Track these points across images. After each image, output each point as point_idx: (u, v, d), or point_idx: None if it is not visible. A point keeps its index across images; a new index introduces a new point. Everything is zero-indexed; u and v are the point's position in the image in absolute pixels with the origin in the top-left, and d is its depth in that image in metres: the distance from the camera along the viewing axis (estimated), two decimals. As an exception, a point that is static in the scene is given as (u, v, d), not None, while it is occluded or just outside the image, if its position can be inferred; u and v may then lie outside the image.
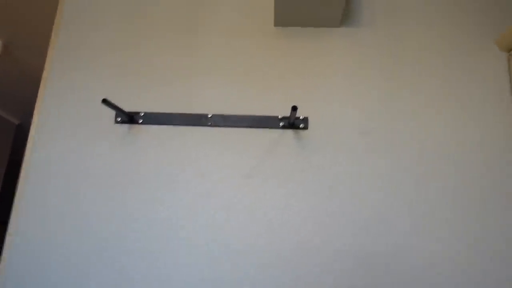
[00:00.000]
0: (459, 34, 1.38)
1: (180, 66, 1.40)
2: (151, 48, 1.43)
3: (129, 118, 1.33)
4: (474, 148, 1.26)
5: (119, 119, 1.34)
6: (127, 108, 1.33)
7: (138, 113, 1.34)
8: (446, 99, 1.31)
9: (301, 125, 1.30)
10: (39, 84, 1.47)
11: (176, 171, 1.29)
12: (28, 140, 1.34)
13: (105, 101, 1.12)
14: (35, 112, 1.37)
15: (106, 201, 1.26)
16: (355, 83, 1.35)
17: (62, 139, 1.33)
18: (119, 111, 1.25)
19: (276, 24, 1.42)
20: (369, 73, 1.36)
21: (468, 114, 1.29)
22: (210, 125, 1.33)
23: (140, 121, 1.33)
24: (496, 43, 1.33)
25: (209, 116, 1.34)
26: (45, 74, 1.41)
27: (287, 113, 1.28)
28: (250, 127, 1.32)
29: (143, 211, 1.25)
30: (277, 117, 1.32)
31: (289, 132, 1.31)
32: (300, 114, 1.31)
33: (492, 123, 1.28)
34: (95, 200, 1.26)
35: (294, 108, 1.11)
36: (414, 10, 1.42)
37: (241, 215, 1.24)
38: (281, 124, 1.31)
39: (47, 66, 1.41)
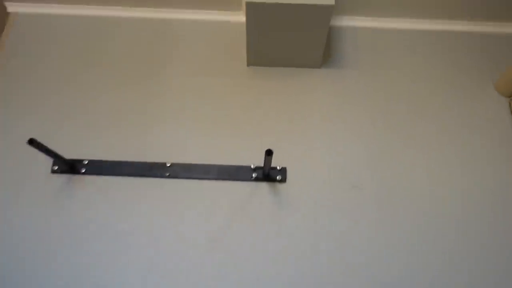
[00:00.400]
0: (456, 76, 1.24)
1: (136, 108, 1.19)
2: (101, 87, 1.22)
3: (70, 166, 1.09)
4: (475, 199, 1.07)
5: (56, 167, 1.10)
6: (68, 155, 1.10)
7: (81, 161, 1.11)
8: (443, 148, 1.14)
9: (278, 177, 1.09)
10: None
11: (125, 233, 1.03)
12: None
13: (32, 142, 0.89)
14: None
15: (35, 270, 0.98)
16: (339, 130, 1.17)
17: (-17, 192, 1.07)
18: (55, 157, 1.01)
19: (250, 63, 1.25)
20: (356, 119, 1.18)
21: (469, 164, 1.11)
22: (169, 176, 1.10)
23: (83, 170, 1.09)
24: (495, 87, 1.19)
25: (168, 165, 1.11)
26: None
27: (261, 162, 1.07)
28: (218, 179, 1.10)
29: (83, 283, 0.97)
30: (250, 167, 1.11)
31: (264, 186, 1.10)
32: (277, 163, 1.10)
33: (493, 173, 1.10)
34: (21, 269, 0.98)
35: (269, 153, 0.90)
36: (405, 50, 1.29)
37: (203, 289, 0.98)
38: (254, 175, 1.09)
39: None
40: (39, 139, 0.92)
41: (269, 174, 1.10)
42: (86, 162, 1.11)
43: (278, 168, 1.10)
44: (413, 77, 1.24)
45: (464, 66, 1.26)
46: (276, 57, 1.21)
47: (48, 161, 1.10)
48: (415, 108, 1.19)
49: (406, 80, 1.23)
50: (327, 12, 1.06)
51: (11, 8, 1.33)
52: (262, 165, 1.06)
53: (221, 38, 1.30)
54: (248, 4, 1.04)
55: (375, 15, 1.31)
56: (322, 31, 1.12)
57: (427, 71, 1.25)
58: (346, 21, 1.32)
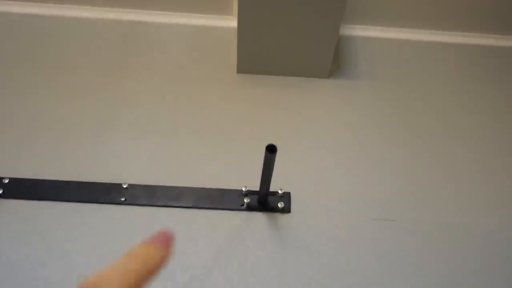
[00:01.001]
0: (489, 92, 1.01)
1: (87, 117, 0.90)
2: (44, 93, 0.93)
3: (-19, 186, 0.76)
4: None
5: (-40, 186, 0.76)
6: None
7: (0, 179, 0.78)
8: (476, 173, 0.86)
9: (280, 205, 0.78)
10: None
11: (56, 278, 0.68)
12: None
13: None
14: None
15: None
16: (357, 149, 0.89)
17: None
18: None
19: (240, 70, 1.00)
20: (376, 136, 0.91)
21: (508, 191, 0.84)
22: (125, 202, 0.78)
23: (0, 191, 0.76)
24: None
25: (125, 186, 0.79)
26: None
27: (255, 186, 0.76)
28: (194, 207, 0.78)
29: None
30: (240, 191, 0.80)
31: (260, 217, 0.78)
32: (277, 187, 0.80)
33: None
34: None
35: (272, 149, 0.60)
36: (429, 63, 1.06)
37: None
38: (245, 201, 0.78)
39: None
40: None
41: (266, 201, 0.78)
42: (6, 180, 0.78)
43: (279, 192, 0.80)
44: (441, 91, 1.00)
45: (497, 80, 1.03)
46: (272, 64, 0.96)
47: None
48: (446, 126, 0.93)
49: (434, 94, 0.99)
50: (338, 10, 0.83)
51: None
52: (257, 188, 0.76)
53: (204, 42, 1.05)
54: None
55: (392, 25, 1.10)
56: (332, 35, 0.90)
57: (456, 85, 1.01)
58: (358, 31, 1.11)
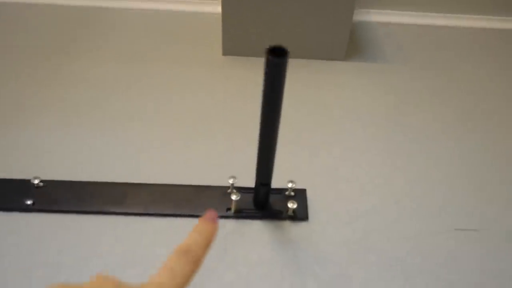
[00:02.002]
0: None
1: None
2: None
3: None
4: None
5: None
6: None
7: None
8: None
9: (291, 205, 0.47)
10: None
11: None
12: None
13: None
14: None
15: None
16: (381, 136, 0.60)
17: None
18: None
19: (225, 52, 0.75)
20: (415, 120, 0.63)
21: None
22: (33, 207, 0.47)
23: None
24: None
25: (36, 183, 0.48)
26: None
27: (248, 183, 0.46)
28: (148, 214, 0.47)
29: None
30: (226, 188, 0.49)
31: (257, 230, 0.47)
32: (286, 176, 0.49)
33: None
34: None
35: (279, 53, 0.32)
36: (462, 48, 0.81)
37: None
38: (234, 200, 0.47)
39: None
40: None
41: (267, 202, 0.48)
42: None
43: (290, 187, 0.49)
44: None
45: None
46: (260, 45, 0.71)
47: None
48: (487, 119, 0.66)
49: (475, 81, 0.73)
50: None
51: None
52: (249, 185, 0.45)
53: (190, 27, 0.81)
54: None
55: (408, 10, 0.88)
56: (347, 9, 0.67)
57: (473, 71, 0.75)
58: (373, 16, 0.88)
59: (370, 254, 0.45)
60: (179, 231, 0.46)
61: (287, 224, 0.47)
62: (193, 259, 0.24)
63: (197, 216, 0.45)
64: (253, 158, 0.43)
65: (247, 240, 0.45)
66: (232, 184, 0.48)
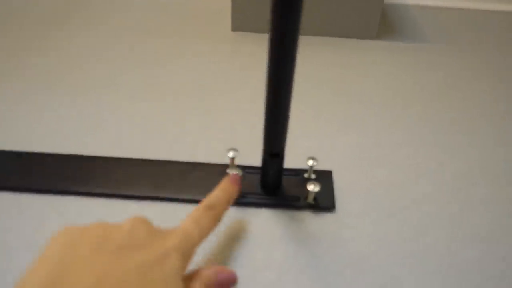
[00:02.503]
0: None
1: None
2: None
3: None
4: None
5: None
6: None
7: None
8: None
9: (312, 188, 0.34)
10: None
11: None
12: None
13: None
14: None
15: None
16: (425, 115, 0.47)
17: None
18: None
19: (234, 28, 0.64)
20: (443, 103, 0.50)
21: None
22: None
23: None
24: None
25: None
26: None
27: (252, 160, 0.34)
28: (127, 196, 0.35)
29: None
30: (225, 167, 0.37)
31: (267, 223, 0.34)
32: (301, 154, 0.37)
33: None
34: None
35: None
36: (483, 31, 0.68)
37: None
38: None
39: None
40: None
41: (280, 185, 0.35)
42: None
43: (310, 167, 0.36)
44: (497, 59, 0.61)
45: None
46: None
47: None
48: None
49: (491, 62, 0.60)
50: None
51: None
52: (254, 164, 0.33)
53: (199, 5, 0.71)
54: None
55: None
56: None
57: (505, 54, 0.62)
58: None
59: (426, 257, 0.32)
60: (157, 217, 0.34)
61: (306, 214, 0.35)
62: (216, 216, 0.27)
63: (180, 201, 0.34)
64: (260, 135, 0.31)
65: (252, 235, 0.33)
66: (233, 159, 0.36)
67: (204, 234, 0.25)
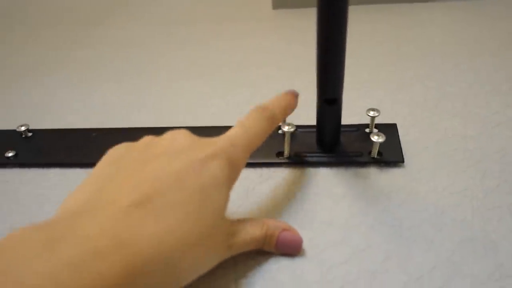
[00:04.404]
0: None
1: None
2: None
3: None
4: None
5: None
6: None
7: None
8: None
9: (377, 139, 0.30)
10: None
11: None
12: None
13: None
14: None
15: None
16: (493, 69, 0.41)
17: None
18: None
19: (276, 6, 0.61)
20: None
21: None
22: (12, 162, 0.34)
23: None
24: None
25: (22, 130, 0.36)
26: None
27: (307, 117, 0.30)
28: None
29: None
30: (277, 128, 0.34)
31: (328, 180, 0.30)
32: (359, 107, 0.33)
33: None
34: None
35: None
36: None
37: None
38: (286, 142, 0.31)
39: None
40: None
41: (338, 141, 0.32)
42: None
43: (372, 118, 0.33)
44: None
45: None
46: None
47: None
48: None
49: None
50: None
51: None
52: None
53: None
54: None
55: None
56: None
57: None
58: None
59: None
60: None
61: (371, 170, 0.31)
62: (269, 115, 0.24)
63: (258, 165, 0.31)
64: (308, 103, 0.28)
65: (312, 194, 0.29)
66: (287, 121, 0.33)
67: (255, 137, 0.23)
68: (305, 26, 0.55)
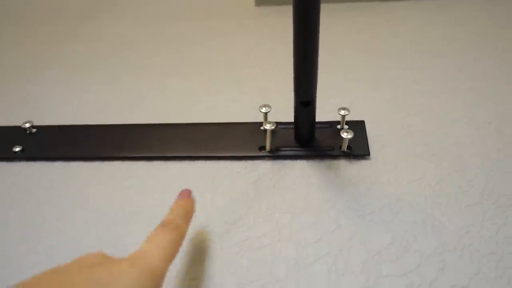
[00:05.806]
0: None
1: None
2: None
3: None
4: None
5: None
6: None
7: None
8: None
9: (346, 135, 0.34)
10: None
11: None
12: None
13: None
14: None
15: None
16: (457, 67, 0.46)
17: None
18: None
19: (258, 3, 0.65)
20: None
21: None
22: (20, 156, 0.38)
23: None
24: None
25: (27, 127, 0.40)
26: None
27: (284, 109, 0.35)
28: (188, 157, 0.36)
29: None
30: (259, 124, 0.38)
31: (303, 172, 0.35)
32: (332, 104, 0.37)
33: None
34: None
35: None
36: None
37: None
38: (267, 137, 0.35)
39: None
40: None
41: (313, 137, 0.36)
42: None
43: (342, 116, 0.37)
44: None
45: None
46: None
47: None
48: None
49: None
50: None
51: None
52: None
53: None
54: None
55: None
56: None
57: None
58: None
59: (463, 194, 0.32)
60: (197, 175, 0.35)
61: (341, 163, 0.35)
62: (173, 227, 0.25)
63: (217, 158, 0.35)
64: (288, 101, 0.32)
65: (290, 184, 0.34)
66: (266, 114, 0.37)
67: (168, 252, 0.24)
68: (288, 24, 0.59)
